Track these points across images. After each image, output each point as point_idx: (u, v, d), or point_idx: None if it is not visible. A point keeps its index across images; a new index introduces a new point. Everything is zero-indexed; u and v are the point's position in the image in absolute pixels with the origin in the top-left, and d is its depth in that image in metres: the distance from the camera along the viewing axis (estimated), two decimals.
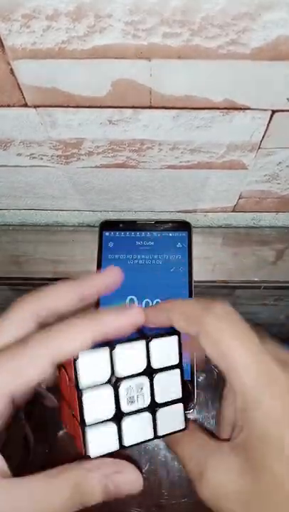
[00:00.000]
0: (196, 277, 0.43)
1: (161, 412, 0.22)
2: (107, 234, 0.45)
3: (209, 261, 0.46)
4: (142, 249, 0.44)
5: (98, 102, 0.29)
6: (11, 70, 0.26)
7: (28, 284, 0.48)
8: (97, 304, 0.42)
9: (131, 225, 0.45)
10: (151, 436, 0.22)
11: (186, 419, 0.23)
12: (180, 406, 0.23)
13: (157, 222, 0.45)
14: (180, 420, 0.23)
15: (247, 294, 0.52)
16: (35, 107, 0.30)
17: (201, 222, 0.48)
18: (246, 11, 0.22)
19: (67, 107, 0.29)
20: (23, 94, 0.28)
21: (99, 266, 0.43)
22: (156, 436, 0.22)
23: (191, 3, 0.22)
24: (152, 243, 0.44)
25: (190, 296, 0.42)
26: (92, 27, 0.23)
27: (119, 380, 0.21)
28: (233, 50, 0.24)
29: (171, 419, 0.23)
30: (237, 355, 0.20)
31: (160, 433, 0.22)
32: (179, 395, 0.23)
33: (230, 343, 0.20)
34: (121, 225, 0.45)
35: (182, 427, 0.23)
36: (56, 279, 0.47)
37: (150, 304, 0.42)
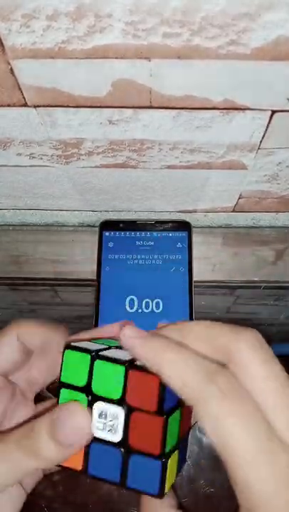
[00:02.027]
0: (196, 277, 0.43)
1: (133, 460, 0.19)
2: (107, 234, 0.45)
3: (209, 261, 0.46)
4: (142, 249, 0.44)
5: (98, 102, 0.29)
6: (11, 69, 0.26)
7: (28, 284, 0.48)
8: (97, 304, 0.42)
9: (131, 225, 0.45)
10: (117, 480, 0.19)
11: (163, 486, 0.19)
12: (157, 465, 0.19)
13: (157, 222, 0.45)
14: (154, 482, 0.19)
15: (247, 294, 0.52)
16: (35, 106, 0.30)
17: (201, 222, 0.48)
18: (246, 11, 0.22)
19: (67, 106, 0.29)
20: (23, 94, 0.28)
21: (99, 266, 0.43)
22: (122, 484, 0.19)
23: (191, 3, 0.22)
24: (152, 243, 0.44)
25: (190, 296, 0.42)
26: (92, 27, 0.23)
27: (93, 395, 0.20)
28: (233, 50, 0.24)
29: (144, 475, 0.19)
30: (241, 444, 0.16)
31: (128, 484, 0.19)
32: (156, 450, 0.19)
33: (233, 429, 0.17)
34: (121, 225, 0.45)
35: (155, 492, 0.19)
36: (56, 279, 0.47)
37: (150, 304, 0.42)
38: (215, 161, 0.36)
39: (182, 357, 0.18)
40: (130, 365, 0.20)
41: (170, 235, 0.45)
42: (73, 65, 0.26)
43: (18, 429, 0.20)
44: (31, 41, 0.24)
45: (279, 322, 0.60)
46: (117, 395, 0.20)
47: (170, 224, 0.45)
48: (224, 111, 0.29)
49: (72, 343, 0.21)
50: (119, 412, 0.20)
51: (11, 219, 0.48)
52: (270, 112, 0.29)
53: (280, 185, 0.39)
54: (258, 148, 0.34)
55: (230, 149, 0.34)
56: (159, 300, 0.42)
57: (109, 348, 0.22)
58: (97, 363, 0.20)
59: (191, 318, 0.41)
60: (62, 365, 0.21)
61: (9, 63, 0.26)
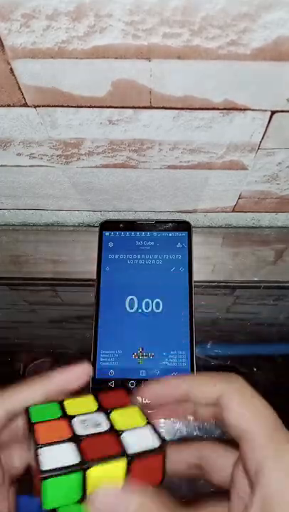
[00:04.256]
0: (196, 277, 0.43)
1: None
2: (107, 234, 0.45)
3: (209, 261, 0.46)
4: (142, 249, 0.44)
5: (98, 102, 0.29)
6: (11, 69, 0.26)
7: (28, 284, 0.48)
8: (97, 304, 0.42)
9: (131, 225, 0.45)
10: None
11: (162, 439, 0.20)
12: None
13: (157, 222, 0.45)
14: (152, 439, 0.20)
15: (247, 294, 0.52)
16: (35, 106, 0.30)
17: (201, 222, 0.48)
18: (246, 11, 0.22)
19: (68, 106, 0.29)
20: (23, 94, 0.28)
21: (99, 266, 0.43)
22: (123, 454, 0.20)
23: (191, 3, 0.22)
24: (152, 243, 0.44)
25: (190, 296, 0.42)
26: (92, 27, 0.23)
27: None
28: (233, 50, 0.24)
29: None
30: (260, 424, 0.20)
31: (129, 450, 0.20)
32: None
33: (254, 409, 0.20)
34: (121, 225, 0.45)
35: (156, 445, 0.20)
36: (56, 279, 0.47)
37: (150, 304, 0.42)
38: (215, 161, 0.35)
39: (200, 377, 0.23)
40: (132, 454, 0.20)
41: (170, 235, 0.45)
42: (73, 65, 0.26)
43: None
44: (31, 41, 0.24)
45: (279, 322, 0.60)
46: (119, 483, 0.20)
47: (170, 224, 0.45)
48: (224, 111, 0.29)
49: (45, 468, 0.19)
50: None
51: (11, 219, 0.48)
52: (269, 112, 0.29)
53: (279, 185, 0.39)
54: (258, 149, 0.34)
55: (230, 149, 0.34)
56: (159, 300, 0.42)
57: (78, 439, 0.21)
58: (92, 470, 0.19)
59: (190, 318, 0.41)
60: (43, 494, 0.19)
61: (9, 63, 0.26)
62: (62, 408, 0.22)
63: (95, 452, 0.19)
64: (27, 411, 0.22)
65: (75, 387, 0.24)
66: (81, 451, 0.20)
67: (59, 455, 0.19)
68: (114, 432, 0.21)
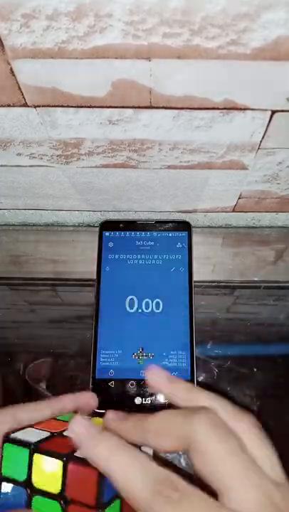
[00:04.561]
0: (196, 277, 0.43)
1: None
2: (107, 234, 0.45)
3: (209, 261, 0.46)
4: (142, 249, 0.44)
5: (98, 102, 0.29)
6: (11, 69, 0.26)
7: (28, 284, 0.48)
8: (97, 304, 0.42)
9: (131, 225, 0.45)
10: None
11: None
12: None
13: (157, 222, 0.45)
14: None
15: (247, 294, 0.52)
16: (35, 107, 0.30)
17: (201, 222, 0.48)
18: (246, 11, 0.22)
19: (68, 106, 0.29)
20: (23, 94, 0.28)
21: (99, 266, 0.43)
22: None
23: (191, 3, 0.22)
24: (152, 243, 0.44)
25: (190, 296, 0.42)
26: (92, 27, 0.23)
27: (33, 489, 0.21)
28: (233, 50, 0.24)
29: None
30: (236, 481, 0.18)
31: None
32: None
33: (220, 460, 0.19)
34: (121, 225, 0.45)
35: None
36: (56, 279, 0.47)
37: (150, 304, 0.42)
38: (215, 161, 0.35)
39: (130, 462, 0.19)
40: (70, 457, 0.20)
41: (170, 235, 0.45)
42: (73, 65, 0.26)
43: None
44: (31, 41, 0.24)
45: (279, 322, 0.60)
46: (56, 489, 0.20)
47: (170, 224, 0.45)
48: (224, 111, 0.29)
49: (12, 436, 0.22)
50: (56, 507, 0.20)
51: (11, 219, 0.48)
52: (270, 112, 0.29)
53: (280, 185, 0.39)
54: (258, 148, 0.34)
55: (231, 149, 0.34)
56: (159, 300, 0.42)
57: (52, 435, 0.23)
58: (36, 456, 0.21)
59: (190, 318, 0.41)
60: (2, 458, 0.21)
61: (9, 63, 0.26)
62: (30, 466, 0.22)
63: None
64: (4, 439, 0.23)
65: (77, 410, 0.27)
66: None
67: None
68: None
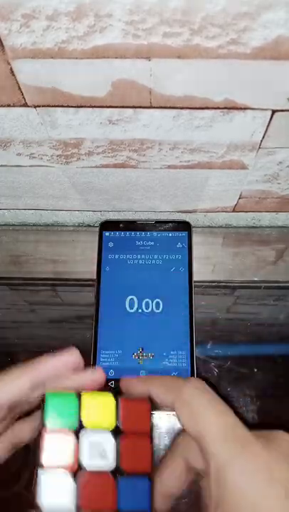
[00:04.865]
0: (196, 277, 0.43)
1: (124, 483, 0.21)
2: (107, 234, 0.45)
3: (209, 261, 0.46)
4: (142, 249, 0.44)
5: (98, 102, 0.29)
6: (11, 69, 0.26)
7: (28, 284, 0.48)
8: (97, 304, 0.42)
9: (131, 225, 0.45)
10: (112, 506, 0.20)
11: (152, 503, 0.21)
12: (147, 484, 0.21)
13: (157, 222, 0.45)
14: (144, 501, 0.21)
15: (247, 294, 0.52)
16: (35, 107, 0.30)
17: (201, 222, 0.48)
18: (246, 10, 0.22)
19: (68, 106, 0.29)
20: (23, 94, 0.28)
21: (99, 266, 0.43)
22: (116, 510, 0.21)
23: (191, 2, 0.22)
24: (152, 243, 0.44)
25: (190, 296, 0.42)
26: (92, 27, 0.23)
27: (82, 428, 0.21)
28: (233, 49, 0.24)
29: (135, 495, 0.21)
30: (213, 424, 0.20)
31: (121, 506, 0.21)
32: (147, 469, 0.21)
33: (206, 411, 0.21)
34: (121, 225, 0.45)
35: (145, 509, 0.21)
36: (56, 279, 0.47)
37: (150, 304, 0.42)
38: (215, 160, 0.35)
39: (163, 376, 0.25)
40: (118, 392, 0.22)
41: (170, 235, 0.45)
42: (73, 65, 0.26)
43: None
44: (31, 41, 0.24)
45: (279, 322, 0.60)
46: (111, 424, 0.21)
47: (170, 224, 0.45)
48: (224, 110, 0.29)
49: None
50: (110, 439, 0.21)
51: (11, 219, 0.48)
52: (270, 112, 0.29)
53: (280, 184, 0.39)
54: (259, 148, 0.34)
55: (231, 149, 0.34)
56: (159, 300, 0.42)
57: None
58: (84, 396, 0.21)
59: (190, 318, 0.41)
60: (44, 409, 0.21)
61: (9, 63, 0.26)
62: (79, 409, 0.22)
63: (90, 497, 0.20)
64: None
65: (62, 374, 0.24)
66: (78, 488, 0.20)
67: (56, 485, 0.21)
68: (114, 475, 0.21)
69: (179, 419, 0.22)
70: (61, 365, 0.24)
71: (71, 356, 0.24)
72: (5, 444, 0.25)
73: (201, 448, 0.20)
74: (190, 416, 0.21)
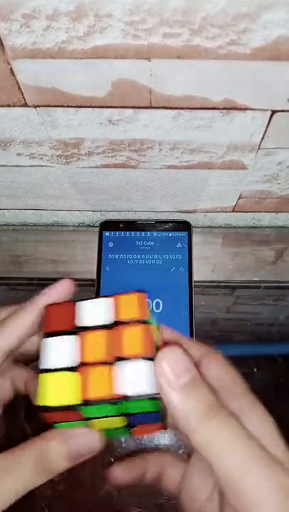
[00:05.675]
0: (196, 277, 0.43)
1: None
2: (107, 234, 0.45)
3: (209, 261, 0.46)
4: (142, 249, 0.44)
5: (98, 102, 0.29)
6: (11, 69, 0.26)
7: (28, 284, 0.48)
8: None
9: (131, 225, 0.45)
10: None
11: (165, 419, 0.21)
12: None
13: (157, 222, 0.45)
14: (156, 417, 0.20)
15: (247, 294, 0.52)
16: (35, 107, 0.30)
17: (201, 222, 0.48)
18: (246, 11, 0.22)
19: (68, 106, 0.29)
20: (23, 94, 0.28)
21: (99, 266, 0.43)
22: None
23: (191, 3, 0.22)
24: (152, 243, 0.44)
25: (190, 296, 0.42)
26: (92, 27, 0.23)
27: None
28: (233, 50, 0.24)
29: (147, 415, 0.20)
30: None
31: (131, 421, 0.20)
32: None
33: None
34: (121, 225, 0.45)
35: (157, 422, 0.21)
36: (56, 279, 0.47)
37: (150, 304, 0.42)
38: (215, 161, 0.35)
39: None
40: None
41: (170, 235, 0.45)
42: (73, 65, 0.26)
43: (30, 445, 0.20)
44: (31, 41, 0.24)
45: (279, 322, 0.60)
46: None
47: (170, 224, 0.45)
48: (224, 111, 0.29)
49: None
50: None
51: (11, 219, 0.48)
52: (270, 112, 0.29)
53: (280, 185, 0.39)
54: (258, 148, 0.34)
55: (231, 149, 0.34)
56: (159, 300, 0.42)
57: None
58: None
59: (191, 318, 0.41)
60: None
61: (9, 63, 0.26)
62: None
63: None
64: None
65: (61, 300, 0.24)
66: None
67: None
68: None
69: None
70: (56, 296, 0.24)
71: (63, 285, 0.24)
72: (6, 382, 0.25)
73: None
74: (216, 369, 0.22)
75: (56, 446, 0.20)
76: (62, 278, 0.25)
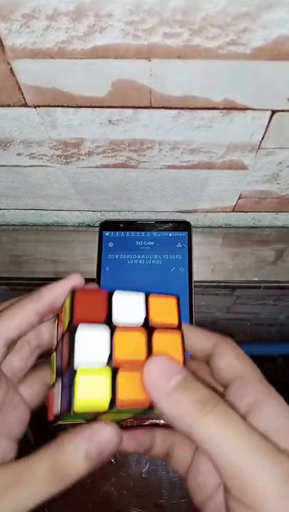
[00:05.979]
0: (196, 277, 0.43)
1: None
2: (107, 234, 0.45)
3: (209, 261, 0.46)
4: (142, 249, 0.44)
5: (98, 102, 0.29)
6: (11, 69, 0.26)
7: (28, 284, 0.48)
8: None
9: (131, 225, 0.45)
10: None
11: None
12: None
13: (157, 222, 0.45)
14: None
15: (247, 294, 0.52)
16: (35, 107, 0.30)
17: (201, 222, 0.48)
18: (246, 11, 0.22)
19: (68, 106, 0.29)
20: (23, 94, 0.28)
21: (99, 266, 0.43)
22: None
23: (191, 3, 0.22)
24: (152, 243, 0.44)
25: (190, 296, 0.42)
26: (92, 27, 0.23)
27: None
28: (233, 50, 0.24)
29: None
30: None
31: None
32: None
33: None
34: (121, 225, 0.45)
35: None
36: (56, 279, 0.47)
37: None
38: (215, 161, 0.35)
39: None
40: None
41: (170, 235, 0.45)
42: (73, 65, 0.26)
43: (45, 451, 0.19)
44: (31, 41, 0.24)
45: (279, 322, 0.60)
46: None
47: (170, 224, 0.45)
48: (224, 111, 0.29)
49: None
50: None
51: (11, 219, 0.48)
52: (270, 112, 0.29)
53: (280, 185, 0.39)
54: (258, 148, 0.34)
55: (231, 149, 0.34)
56: None
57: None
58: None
59: (191, 318, 0.41)
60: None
61: (9, 63, 0.26)
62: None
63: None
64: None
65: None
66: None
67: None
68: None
69: (213, 362, 0.22)
70: (64, 290, 0.23)
71: (73, 280, 0.23)
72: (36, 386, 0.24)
73: (234, 387, 0.21)
74: (231, 358, 0.22)
75: (72, 450, 0.19)
76: (62, 278, 0.24)
